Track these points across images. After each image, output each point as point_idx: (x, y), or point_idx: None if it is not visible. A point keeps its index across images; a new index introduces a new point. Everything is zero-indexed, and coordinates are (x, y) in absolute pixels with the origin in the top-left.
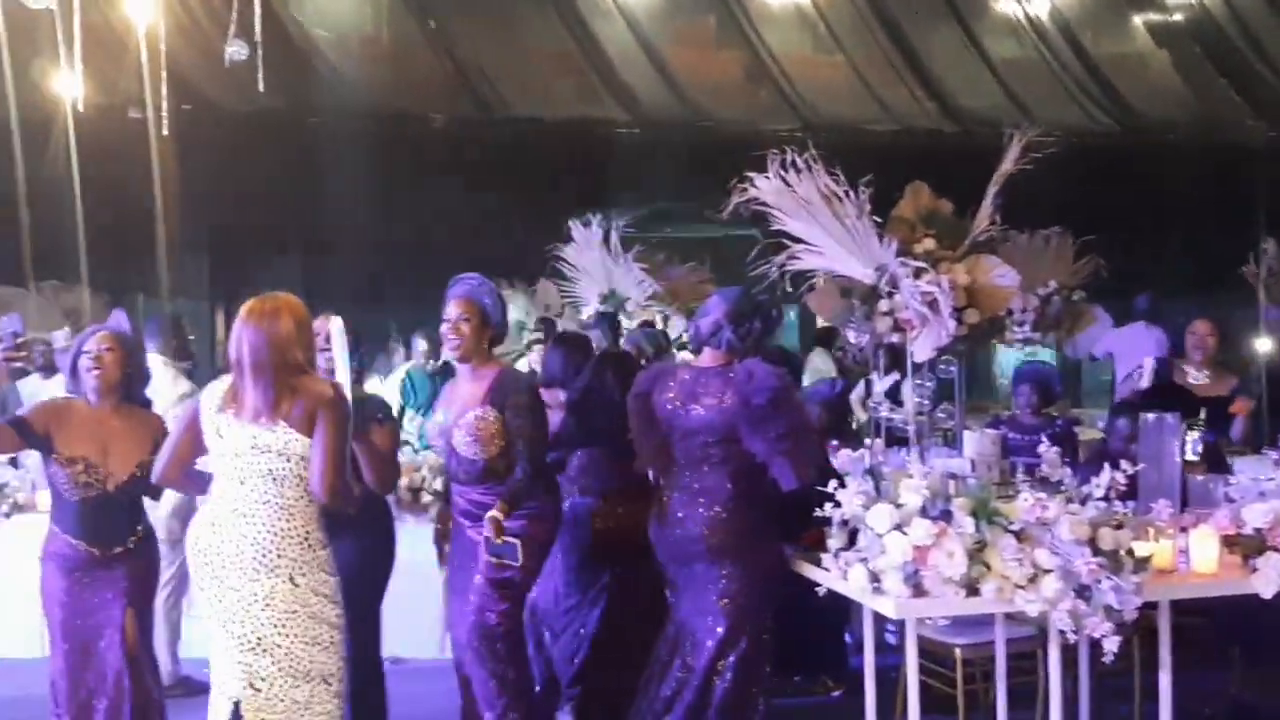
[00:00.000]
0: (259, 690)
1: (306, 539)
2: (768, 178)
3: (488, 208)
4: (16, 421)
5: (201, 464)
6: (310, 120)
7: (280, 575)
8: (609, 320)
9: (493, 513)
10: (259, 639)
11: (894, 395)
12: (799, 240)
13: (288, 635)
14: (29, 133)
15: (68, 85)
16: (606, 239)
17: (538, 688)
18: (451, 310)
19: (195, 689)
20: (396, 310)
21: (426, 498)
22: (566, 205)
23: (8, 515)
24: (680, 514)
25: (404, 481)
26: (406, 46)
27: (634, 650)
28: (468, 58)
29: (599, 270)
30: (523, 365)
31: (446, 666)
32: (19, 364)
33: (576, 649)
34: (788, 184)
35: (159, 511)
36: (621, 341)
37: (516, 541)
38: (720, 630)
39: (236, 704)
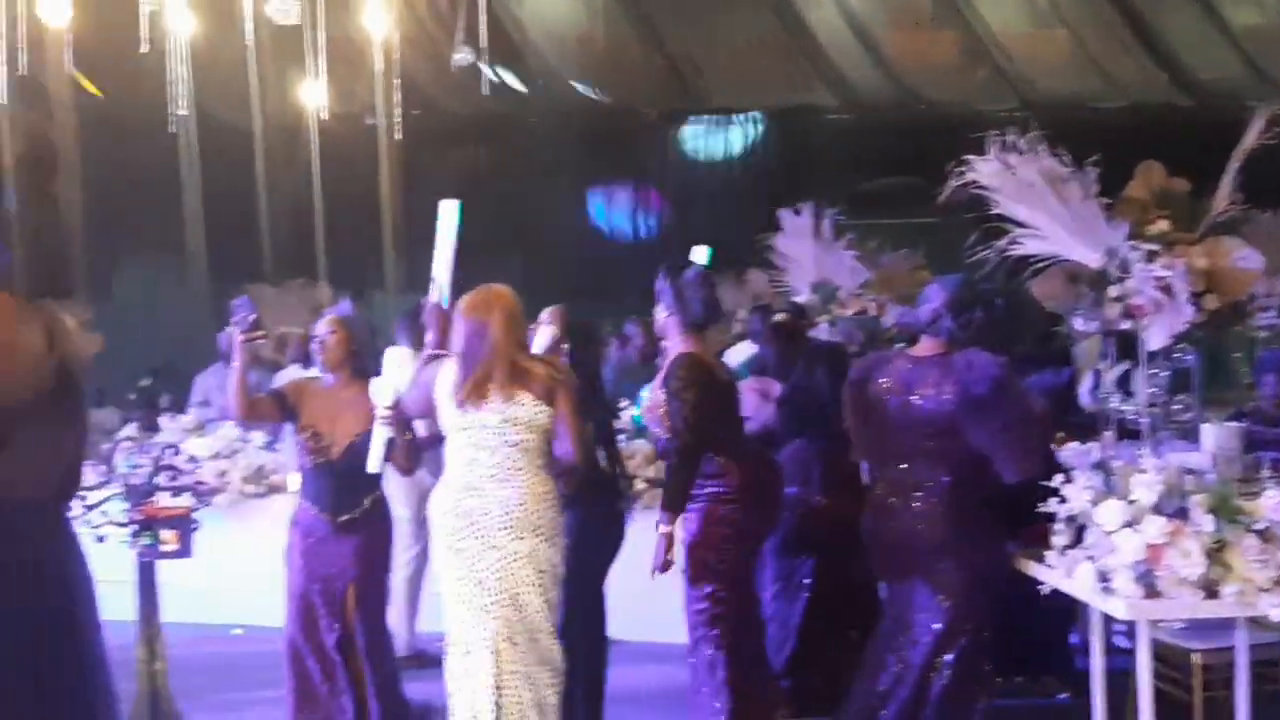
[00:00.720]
0: (516, 644)
1: (555, 504)
2: (987, 160)
3: (697, 198)
4: (275, 393)
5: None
6: (529, 119)
7: (542, 535)
8: (862, 324)
9: None
10: (516, 594)
11: (1125, 385)
12: (1021, 225)
13: (539, 592)
14: (278, 142)
15: (312, 96)
16: (818, 227)
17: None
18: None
19: (429, 661)
20: (616, 302)
21: (640, 485)
22: (776, 193)
23: (264, 495)
24: (896, 507)
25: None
26: (620, 43)
27: (842, 641)
28: (679, 51)
29: (809, 259)
30: (737, 354)
31: (662, 648)
32: (258, 342)
33: (785, 638)
34: (1008, 166)
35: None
36: (831, 332)
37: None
38: (938, 626)
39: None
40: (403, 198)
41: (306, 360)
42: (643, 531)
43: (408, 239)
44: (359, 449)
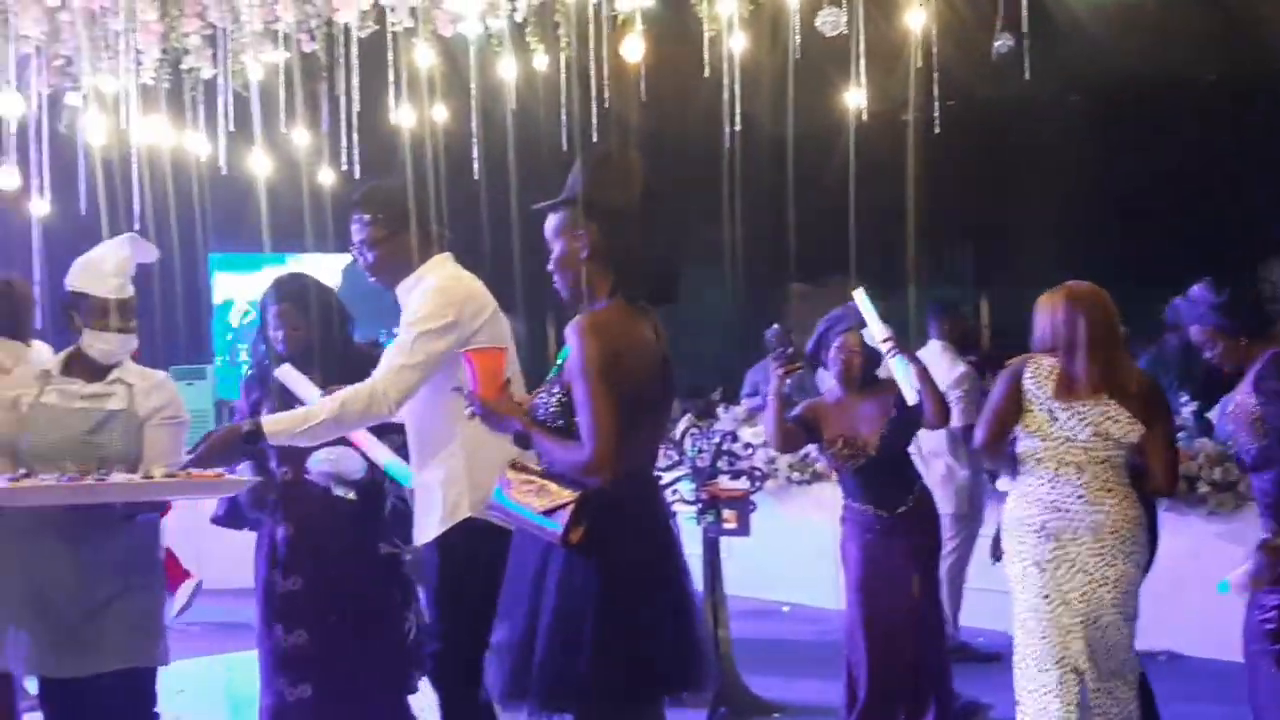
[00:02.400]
0: (1097, 666)
1: (1144, 525)
2: None
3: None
4: (797, 419)
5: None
6: (1071, 99)
7: (1133, 561)
8: None
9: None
10: (1099, 618)
11: None
12: None
13: (1117, 614)
14: (817, 147)
15: (853, 99)
16: None
17: None
18: None
19: (972, 655)
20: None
21: (1203, 488)
22: None
23: (809, 482)
24: None
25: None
26: (1170, 6)
27: None
28: (1242, 11)
29: None
30: None
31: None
32: (792, 369)
33: None
34: None
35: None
36: None
37: None
38: None
39: None
40: (938, 192)
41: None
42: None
43: (935, 232)
44: (892, 438)
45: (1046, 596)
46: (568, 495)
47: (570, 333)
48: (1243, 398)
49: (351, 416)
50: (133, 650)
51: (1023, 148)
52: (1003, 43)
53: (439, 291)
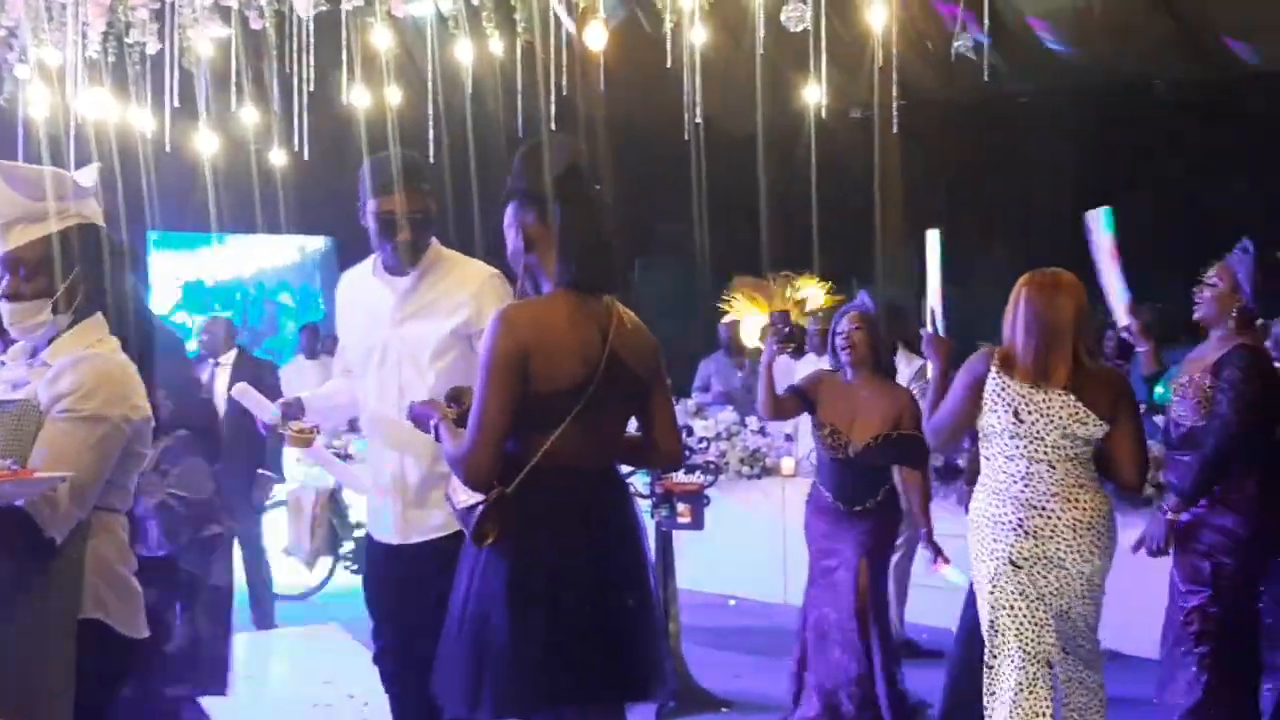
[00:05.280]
0: (1068, 655)
1: (1114, 516)
2: None
3: (1220, 174)
4: (797, 390)
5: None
6: (1021, 100)
7: (1106, 554)
8: None
9: None
10: (1070, 610)
11: None
12: None
13: (1089, 603)
14: (776, 143)
15: (812, 95)
16: None
17: None
18: None
19: (917, 653)
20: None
21: (1149, 490)
22: None
23: (758, 476)
24: None
25: None
26: (1123, 11)
27: None
28: (1193, 14)
29: None
30: None
31: None
32: (788, 347)
33: None
34: None
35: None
36: None
37: None
38: None
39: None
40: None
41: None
42: None
43: (897, 231)
44: (875, 454)
45: (1023, 593)
46: (479, 495)
47: (487, 324)
48: (1198, 377)
49: None
50: None
51: (980, 147)
52: (964, 42)
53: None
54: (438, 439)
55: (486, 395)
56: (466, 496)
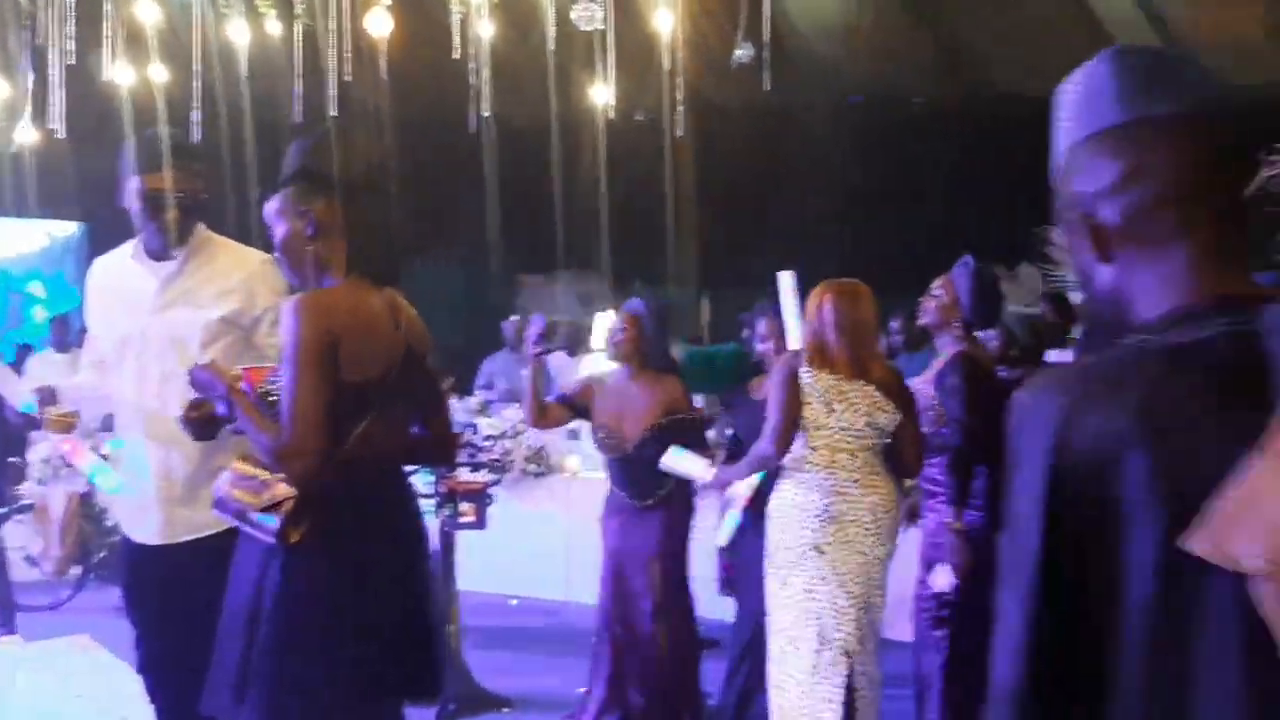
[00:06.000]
0: (864, 647)
1: (899, 510)
2: None
3: (971, 189)
4: (563, 399)
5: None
6: (801, 113)
7: (894, 539)
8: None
9: None
10: (869, 599)
11: None
12: None
13: (881, 594)
14: (565, 141)
15: (601, 96)
16: None
17: None
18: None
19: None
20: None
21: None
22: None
23: (543, 474)
24: None
25: None
26: (890, 30)
27: None
28: (952, 36)
29: None
30: None
31: None
32: (546, 354)
33: None
34: None
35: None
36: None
37: None
38: None
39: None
40: (683, 194)
41: (571, 349)
42: None
43: (687, 235)
44: (652, 442)
45: (824, 579)
46: (287, 490)
47: (284, 312)
48: (921, 384)
49: None
50: None
51: (760, 153)
52: (743, 52)
53: None
54: (226, 413)
55: (299, 384)
56: (264, 495)
